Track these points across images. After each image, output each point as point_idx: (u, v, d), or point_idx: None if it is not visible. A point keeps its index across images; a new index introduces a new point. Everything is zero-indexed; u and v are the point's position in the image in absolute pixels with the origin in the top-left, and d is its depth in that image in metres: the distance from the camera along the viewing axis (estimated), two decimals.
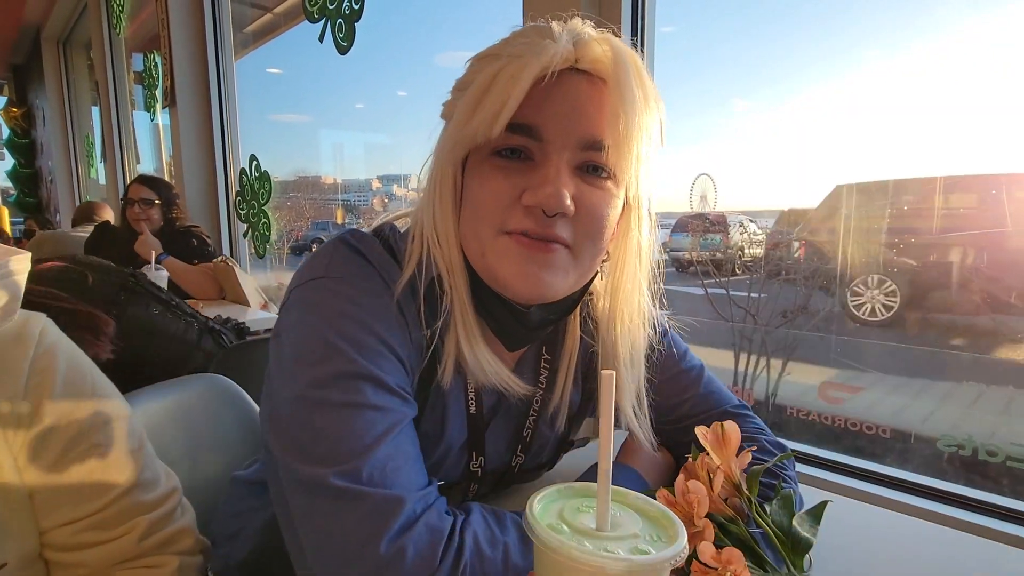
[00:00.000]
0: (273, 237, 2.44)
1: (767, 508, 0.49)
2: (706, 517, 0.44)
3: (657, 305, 0.63)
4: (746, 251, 2.68)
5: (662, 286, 0.62)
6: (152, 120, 3.42)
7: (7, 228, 6.10)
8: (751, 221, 2.72)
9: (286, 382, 0.49)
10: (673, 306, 0.68)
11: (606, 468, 0.37)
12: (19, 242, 4.43)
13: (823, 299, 2.28)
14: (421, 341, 0.54)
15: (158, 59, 3.07)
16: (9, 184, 7.56)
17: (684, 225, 2.74)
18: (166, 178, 2.88)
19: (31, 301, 0.55)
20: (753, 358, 2.20)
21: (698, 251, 2.63)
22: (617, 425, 0.67)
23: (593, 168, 0.52)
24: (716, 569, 0.40)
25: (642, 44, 1.16)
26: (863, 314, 2.13)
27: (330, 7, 1.89)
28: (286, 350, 0.51)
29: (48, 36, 5.24)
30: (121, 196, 2.48)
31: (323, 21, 1.93)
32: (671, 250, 2.75)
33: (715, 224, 2.59)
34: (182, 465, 0.92)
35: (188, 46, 2.58)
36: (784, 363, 2.12)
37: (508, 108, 0.48)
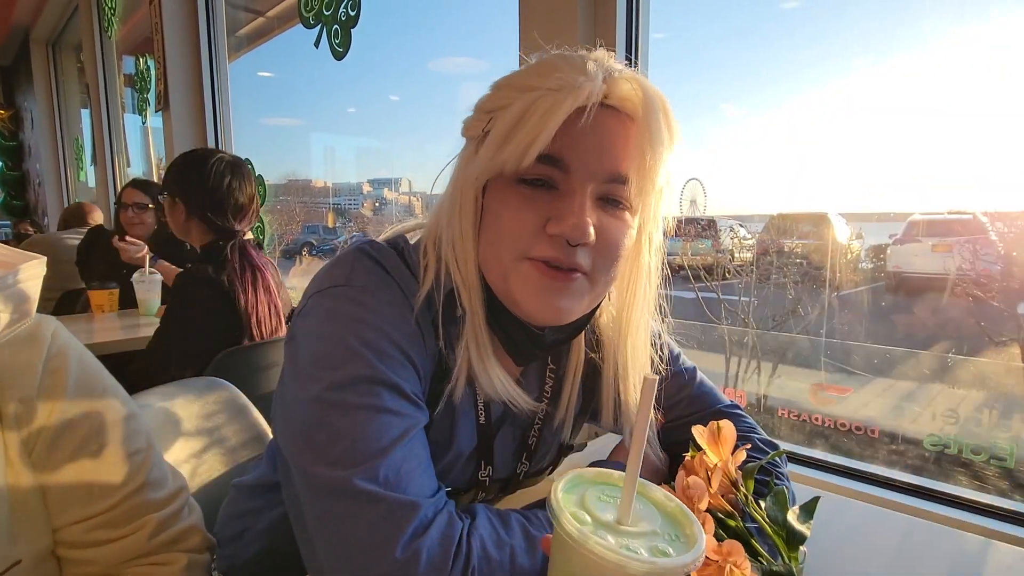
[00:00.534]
0: (268, 239, 2.45)
1: (762, 504, 0.51)
2: (705, 512, 0.45)
3: (660, 318, 0.66)
4: (736, 255, 2.72)
5: (664, 305, 0.65)
6: (143, 123, 3.41)
7: None
8: (740, 226, 2.76)
9: (303, 385, 0.50)
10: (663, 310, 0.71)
11: (635, 465, 0.38)
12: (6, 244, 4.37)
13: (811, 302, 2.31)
14: (435, 351, 0.56)
15: (150, 62, 3.07)
16: None
17: (675, 229, 2.77)
18: (156, 181, 2.87)
19: None
20: (744, 361, 2.23)
21: (689, 255, 2.67)
22: (617, 431, 0.69)
23: (614, 200, 0.54)
24: (716, 562, 0.41)
25: (636, 56, 1.18)
26: None
27: (326, 13, 1.90)
28: (303, 354, 0.52)
29: (37, 38, 5.20)
30: (115, 200, 2.48)
31: (319, 27, 1.94)
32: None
33: (706, 228, 2.62)
34: (183, 467, 0.93)
35: (182, 49, 2.58)
36: (775, 366, 2.15)
37: (541, 141, 0.50)
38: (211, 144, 2.62)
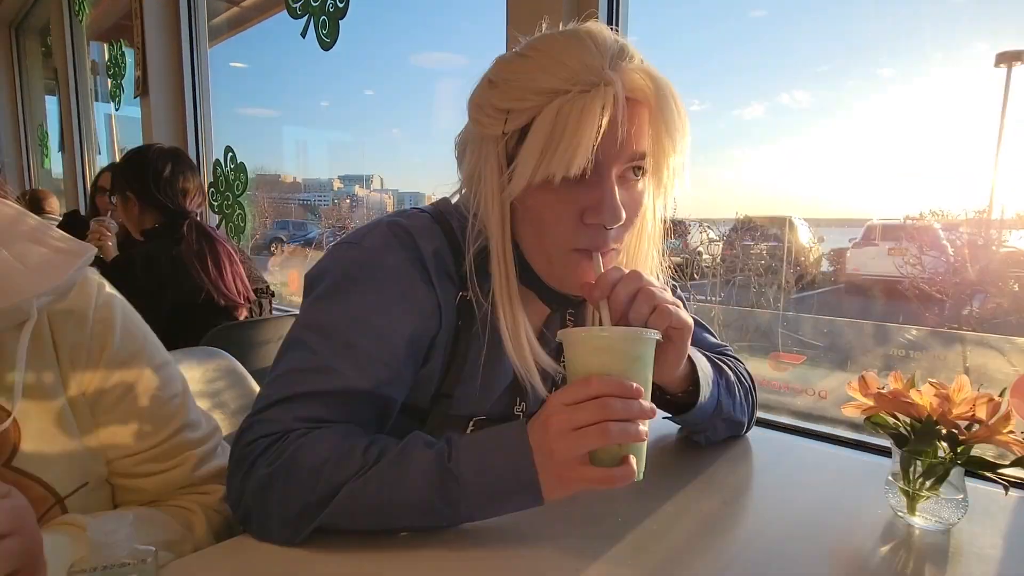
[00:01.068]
0: (249, 228, 2.46)
1: None
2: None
3: (667, 263, 0.76)
4: (704, 254, 2.84)
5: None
6: (116, 110, 3.36)
7: None
8: (709, 227, 2.88)
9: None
10: None
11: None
12: None
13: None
14: (451, 305, 0.66)
15: (125, 49, 3.03)
16: None
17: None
18: None
19: None
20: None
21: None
22: None
23: (634, 171, 0.62)
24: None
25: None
26: None
27: (314, 4, 1.94)
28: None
29: None
30: (91, 185, 2.46)
31: (307, 17, 1.98)
32: None
33: (675, 227, 2.73)
34: None
35: (162, 36, 2.57)
36: None
37: (585, 149, 0.55)
38: (191, 131, 2.62)
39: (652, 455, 0.55)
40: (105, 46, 3.38)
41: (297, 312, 0.67)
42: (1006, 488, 0.60)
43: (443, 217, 0.69)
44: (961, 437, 0.59)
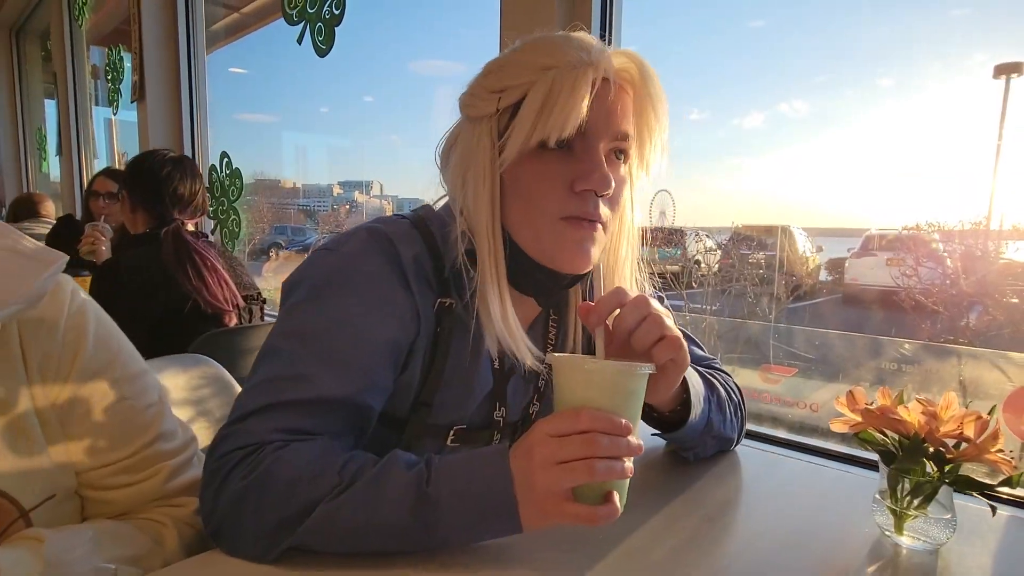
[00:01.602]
0: (244, 233, 2.46)
1: None
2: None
3: (645, 269, 0.76)
4: (702, 263, 2.83)
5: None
6: (114, 115, 3.36)
7: None
8: (707, 236, 2.87)
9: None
10: None
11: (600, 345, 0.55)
12: None
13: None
14: (430, 311, 0.66)
15: (124, 54, 3.03)
16: None
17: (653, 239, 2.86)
18: None
19: None
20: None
21: (656, 262, 2.77)
22: None
23: (617, 153, 0.64)
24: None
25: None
26: None
27: (310, 11, 1.94)
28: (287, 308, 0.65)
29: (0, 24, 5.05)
30: (85, 189, 2.45)
31: (303, 24, 1.98)
32: None
33: (672, 235, 2.72)
34: None
35: (159, 41, 2.57)
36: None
37: (577, 113, 0.58)
38: (187, 137, 2.62)
39: (636, 468, 0.54)
40: (105, 51, 3.39)
41: None
42: (993, 509, 0.58)
43: (423, 223, 0.69)
44: (949, 456, 0.57)
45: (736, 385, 0.84)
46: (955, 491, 0.60)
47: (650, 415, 0.74)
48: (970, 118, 1.62)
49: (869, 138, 1.93)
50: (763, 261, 2.65)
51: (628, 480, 0.53)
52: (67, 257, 0.57)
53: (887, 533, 0.63)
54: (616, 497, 0.51)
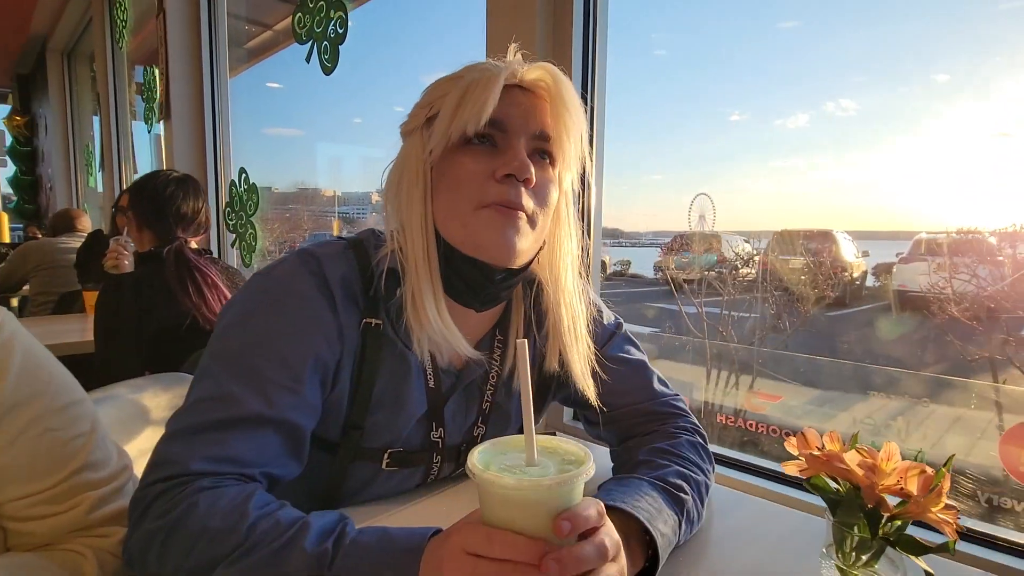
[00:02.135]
0: (260, 247, 2.52)
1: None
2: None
3: (588, 282, 0.78)
4: (740, 270, 2.74)
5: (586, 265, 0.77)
6: (150, 131, 3.51)
7: (6, 234, 6.18)
8: (746, 241, 2.78)
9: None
10: (663, 324, 0.81)
11: (529, 421, 0.47)
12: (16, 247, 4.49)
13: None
14: (354, 330, 0.66)
15: (157, 72, 3.17)
16: (10, 191, 7.66)
17: (676, 244, 2.79)
18: None
19: None
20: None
21: (673, 268, 2.70)
22: (576, 404, 0.83)
23: (541, 154, 0.67)
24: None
25: (592, 78, 1.24)
26: None
27: (316, 30, 1.98)
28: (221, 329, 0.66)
29: (53, 47, 5.36)
30: (112, 205, 2.56)
31: (310, 43, 2.02)
32: (660, 269, 2.80)
33: (708, 240, 2.64)
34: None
35: (184, 62, 2.67)
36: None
37: (491, 102, 0.62)
38: (209, 154, 2.71)
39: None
40: (143, 70, 3.55)
41: None
42: None
43: (360, 244, 0.70)
44: (888, 512, 0.52)
45: (700, 442, 0.77)
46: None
47: None
48: None
49: (923, 136, 1.81)
50: (805, 266, 2.54)
51: None
52: None
53: None
54: None
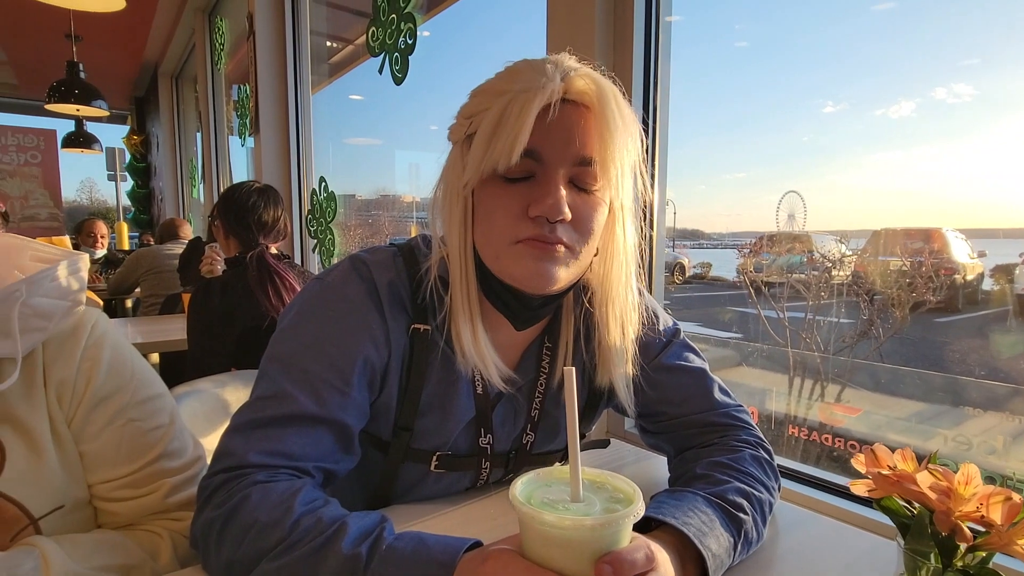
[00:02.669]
0: (338, 251, 2.64)
1: None
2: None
3: (641, 295, 0.74)
4: (833, 273, 2.57)
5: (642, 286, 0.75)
6: (243, 145, 3.78)
7: (125, 241, 6.86)
8: (839, 242, 2.61)
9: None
10: (742, 329, 0.78)
11: (575, 447, 0.45)
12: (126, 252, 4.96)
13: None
14: (402, 335, 0.68)
15: (248, 90, 3.42)
16: (128, 203, 8.51)
17: (759, 245, 2.67)
18: None
19: None
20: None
21: (752, 271, 2.57)
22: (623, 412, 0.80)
23: (583, 180, 0.63)
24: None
25: (656, 80, 1.20)
26: None
27: (388, 42, 2.06)
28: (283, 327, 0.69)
29: (163, 72, 5.91)
30: (208, 215, 2.78)
31: (383, 55, 2.10)
32: (743, 272, 2.68)
33: (788, 243, 2.50)
34: None
35: (271, 79, 2.86)
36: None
37: (521, 141, 0.59)
38: (292, 164, 2.88)
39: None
40: (238, 88, 3.83)
41: None
42: None
43: (410, 251, 0.72)
44: (965, 543, 0.47)
45: (764, 457, 0.72)
46: None
47: None
48: None
49: None
50: (910, 268, 2.35)
51: None
52: (83, 296, 0.64)
53: None
54: None
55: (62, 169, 6.63)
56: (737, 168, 2.71)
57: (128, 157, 8.14)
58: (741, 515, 0.62)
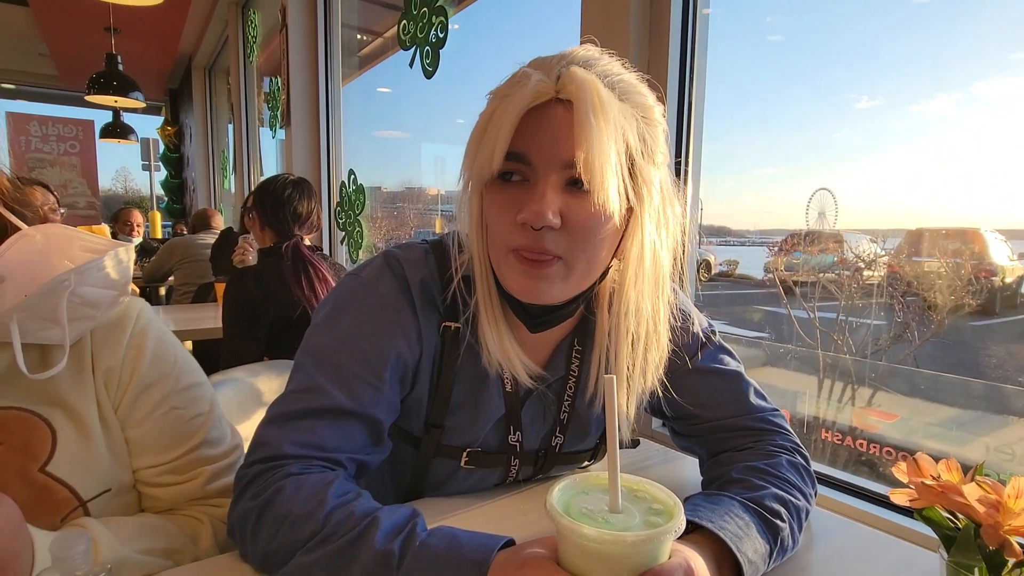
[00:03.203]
0: (366, 243, 2.67)
1: None
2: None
3: (676, 294, 0.71)
4: (862, 272, 2.52)
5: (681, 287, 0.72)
6: (274, 137, 3.84)
7: (159, 230, 7.04)
8: (872, 241, 2.55)
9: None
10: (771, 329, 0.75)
11: (614, 458, 0.44)
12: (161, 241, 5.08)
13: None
14: (434, 333, 0.68)
15: (280, 83, 3.47)
16: (162, 192, 8.72)
17: (789, 243, 2.62)
18: None
19: None
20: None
21: (782, 270, 2.53)
22: (660, 415, 0.80)
23: (579, 184, 0.57)
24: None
25: (692, 79, 1.18)
26: None
27: (419, 36, 2.07)
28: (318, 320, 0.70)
29: (197, 64, 6.02)
30: (241, 205, 2.84)
31: (413, 49, 2.11)
32: (772, 270, 2.64)
33: (820, 242, 2.45)
34: None
35: (302, 72, 2.89)
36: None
37: (501, 145, 0.57)
38: (322, 156, 2.91)
39: None
40: (269, 80, 3.89)
41: None
42: None
43: (441, 249, 0.71)
44: (1016, 556, 0.46)
45: (802, 461, 0.71)
46: None
47: None
48: None
49: None
50: (945, 270, 2.28)
51: None
52: (128, 286, 0.66)
53: None
54: None
55: (98, 158, 6.82)
56: (766, 163, 2.65)
57: (162, 148, 8.34)
58: (778, 522, 0.61)
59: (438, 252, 0.71)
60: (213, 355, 1.82)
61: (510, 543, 0.52)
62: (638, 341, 0.67)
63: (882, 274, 2.41)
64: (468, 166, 0.61)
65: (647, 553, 0.42)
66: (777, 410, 0.77)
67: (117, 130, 6.12)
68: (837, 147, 2.33)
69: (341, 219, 2.79)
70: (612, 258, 0.65)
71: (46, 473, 0.60)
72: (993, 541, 0.46)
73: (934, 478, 0.54)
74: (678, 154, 1.20)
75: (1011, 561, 0.46)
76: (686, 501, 0.63)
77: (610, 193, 0.56)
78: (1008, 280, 2.24)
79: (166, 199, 8.52)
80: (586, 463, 0.84)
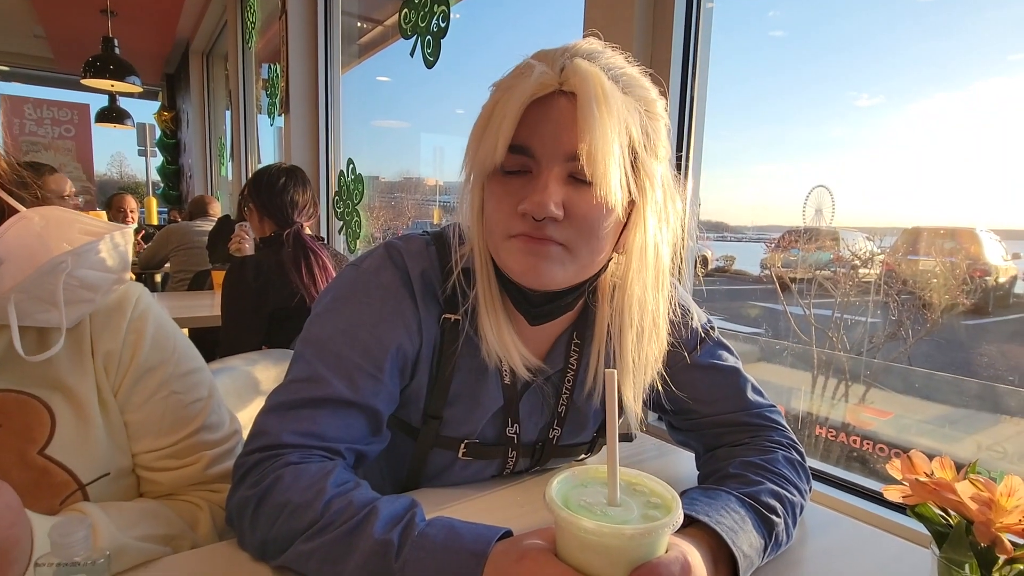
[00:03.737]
0: (364, 233, 2.66)
1: None
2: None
3: (675, 289, 0.71)
4: (858, 270, 2.53)
5: (682, 281, 0.73)
6: (272, 124, 3.82)
7: (154, 216, 6.99)
8: (868, 239, 2.56)
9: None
10: (766, 325, 0.76)
11: (613, 452, 0.45)
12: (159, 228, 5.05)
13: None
14: (434, 324, 0.68)
15: (279, 69, 3.44)
16: (158, 178, 8.67)
17: (786, 240, 2.62)
18: None
19: None
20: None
21: (779, 267, 2.53)
22: (658, 409, 0.80)
23: (581, 177, 0.58)
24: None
25: (694, 67, 1.18)
26: None
27: (420, 25, 2.05)
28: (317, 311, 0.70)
29: (195, 49, 5.97)
30: (239, 193, 2.82)
31: (415, 38, 2.09)
32: (769, 266, 2.64)
33: (816, 239, 2.46)
34: None
35: (302, 59, 2.87)
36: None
37: (504, 137, 0.57)
38: (321, 145, 2.90)
39: None
40: (268, 67, 3.85)
41: None
42: None
43: (442, 240, 0.71)
44: (1007, 554, 0.46)
45: (797, 460, 0.72)
46: None
47: None
48: None
49: None
50: (939, 269, 2.29)
51: None
52: (128, 270, 0.66)
53: None
54: None
55: (93, 143, 6.77)
56: (764, 160, 2.65)
57: (159, 133, 8.28)
58: (773, 517, 0.62)
59: (439, 244, 0.71)
60: (209, 343, 1.82)
61: (508, 534, 0.53)
62: (641, 334, 0.67)
63: (878, 272, 2.42)
64: (470, 157, 0.62)
65: (645, 546, 0.43)
66: (774, 406, 0.78)
67: (113, 115, 6.07)
68: (836, 144, 2.33)
69: (339, 208, 2.78)
70: (613, 251, 0.66)
71: (45, 456, 0.60)
72: (985, 538, 0.46)
73: (927, 475, 0.55)
74: (679, 149, 1.20)
75: (1002, 558, 0.47)
76: (683, 495, 0.63)
77: (612, 186, 0.56)
78: (1001, 280, 2.25)
79: (162, 185, 8.47)
80: (583, 456, 0.84)
